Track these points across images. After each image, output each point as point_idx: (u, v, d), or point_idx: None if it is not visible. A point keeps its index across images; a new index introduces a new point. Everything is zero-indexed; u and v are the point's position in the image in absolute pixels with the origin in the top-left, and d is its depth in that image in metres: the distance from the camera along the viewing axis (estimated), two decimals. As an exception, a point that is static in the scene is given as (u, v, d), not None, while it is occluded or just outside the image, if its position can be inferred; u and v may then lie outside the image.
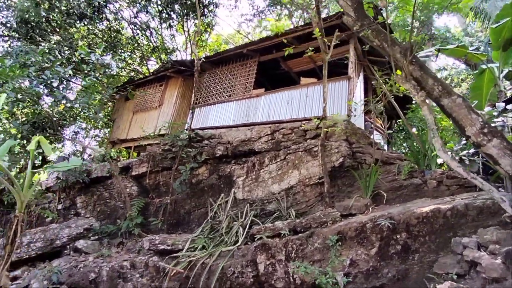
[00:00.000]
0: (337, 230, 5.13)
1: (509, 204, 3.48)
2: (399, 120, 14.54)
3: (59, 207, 10.07)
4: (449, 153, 4.24)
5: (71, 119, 22.39)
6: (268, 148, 8.60)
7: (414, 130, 10.56)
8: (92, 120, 23.61)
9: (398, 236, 4.82)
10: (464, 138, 5.20)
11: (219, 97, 11.50)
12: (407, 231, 4.80)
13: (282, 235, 5.67)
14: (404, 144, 13.89)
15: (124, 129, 14.34)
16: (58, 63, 7.59)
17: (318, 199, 7.16)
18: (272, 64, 11.92)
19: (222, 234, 6.74)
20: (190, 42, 16.93)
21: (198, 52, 17.64)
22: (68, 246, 7.54)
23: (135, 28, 19.23)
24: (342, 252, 5.00)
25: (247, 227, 6.71)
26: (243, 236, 6.43)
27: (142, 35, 20.09)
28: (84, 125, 24.86)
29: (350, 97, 8.28)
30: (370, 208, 5.77)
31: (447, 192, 5.96)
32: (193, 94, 9.99)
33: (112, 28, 18.45)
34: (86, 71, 7.98)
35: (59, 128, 16.38)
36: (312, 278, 4.91)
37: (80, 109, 19.30)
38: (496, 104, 5.68)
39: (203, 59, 12.32)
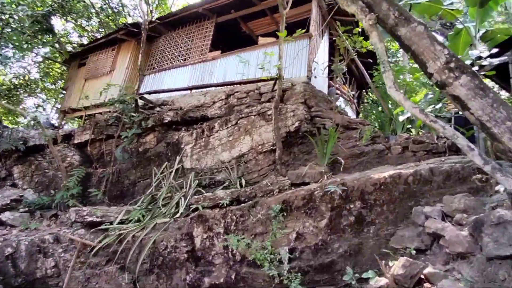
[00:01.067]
0: (282, 199, 4.42)
1: (479, 154, 2.80)
2: (369, 90, 13.97)
3: (-6, 177, 8.96)
4: (404, 93, 3.55)
5: (26, 89, 20.68)
6: (221, 114, 7.77)
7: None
8: (52, 91, 22.05)
9: (352, 206, 4.16)
10: (430, 83, 4.51)
11: (174, 61, 10.48)
12: (362, 200, 4.15)
13: (222, 205, 4.92)
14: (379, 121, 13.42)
15: (76, 97, 13.03)
16: None
17: (272, 167, 6.43)
18: (232, 27, 10.90)
19: (160, 205, 5.92)
20: None
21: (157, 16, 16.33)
22: (-8, 218, 6.56)
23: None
24: (288, 224, 4.31)
25: (189, 198, 5.92)
26: (184, 207, 5.65)
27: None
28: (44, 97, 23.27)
29: (311, 57, 7.48)
30: (326, 176, 5.08)
31: (412, 158, 5.34)
32: (139, 55, 8.86)
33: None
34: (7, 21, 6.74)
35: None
36: (253, 253, 4.22)
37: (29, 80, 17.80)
38: (469, 52, 5.01)
39: (156, 20, 11.17)
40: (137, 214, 5.74)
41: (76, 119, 14.22)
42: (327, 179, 5.09)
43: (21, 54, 7.20)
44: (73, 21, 19.54)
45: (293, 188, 4.99)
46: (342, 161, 5.48)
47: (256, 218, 4.51)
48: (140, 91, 9.66)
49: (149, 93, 8.51)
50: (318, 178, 5.18)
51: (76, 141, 8.94)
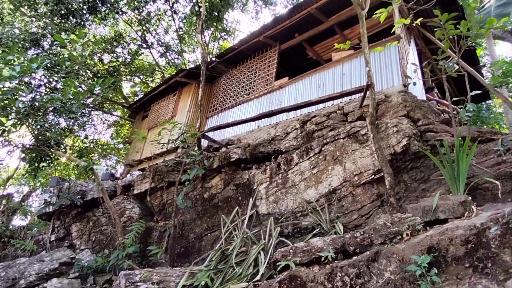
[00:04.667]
0: (427, 245, 2.75)
1: None
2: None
3: (52, 238, 8.32)
4: None
5: (98, 150, 21.74)
6: (298, 145, 6.43)
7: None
8: (122, 150, 23.04)
9: (561, 251, 2.39)
10: None
11: (237, 98, 9.65)
12: None
13: (324, 260, 3.37)
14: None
15: (140, 149, 12.78)
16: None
17: (377, 204, 4.78)
18: (296, 54, 9.94)
19: (233, 264, 4.50)
20: (195, 34, 15.22)
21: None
22: (37, 287, 5.59)
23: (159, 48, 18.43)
24: (443, 287, 2.61)
25: (271, 252, 4.46)
26: (265, 265, 4.18)
27: (162, 56, 19.25)
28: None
29: (403, 61, 6.00)
30: (474, 208, 3.35)
31: None
32: (200, 90, 8.05)
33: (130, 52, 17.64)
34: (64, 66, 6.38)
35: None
36: None
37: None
38: None
39: (216, 59, 10.66)
40: (203, 278, 4.35)
41: (141, 171, 13.90)
42: (476, 213, 3.35)
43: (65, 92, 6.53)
44: (139, 79, 20.59)
45: (428, 228, 3.32)
46: (497, 183, 3.68)
47: (383, 279, 2.87)
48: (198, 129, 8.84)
49: (212, 129, 7.53)
50: (460, 211, 3.45)
51: (135, 192, 8.10)
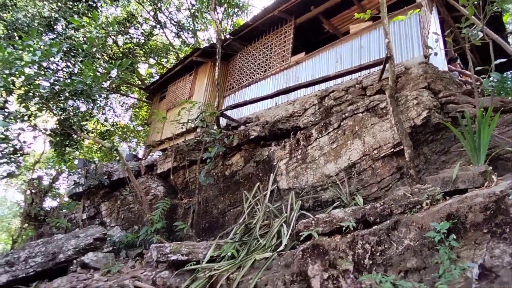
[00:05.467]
0: (446, 213, 2.84)
1: None
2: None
3: (84, 216, 8.81)
4: None
5: (119, 133, 22.20)
6: (316, 121, 6.50)
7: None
8: (141, 132, 23.54)
9: None
10: None
11: (254, 75, 9.65)
12: None
13: (345, 229, 3.51)
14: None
15: (160, 130, 13.05)
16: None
17: (396, 176, 4.85)
18: (313, 28, 9.78)
19: (257, 236, 4.71)
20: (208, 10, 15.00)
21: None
22: (74, 261, 6.00)
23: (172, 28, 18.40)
24: (461, 252, 2.70)
25: (293, 224, 4.63)
26: (287, 236, 4.36)
27: (176, 36, 19.23)
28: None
29: (424, 32, 5.88)
30: (494, 178, 3.39)
31: None
32: (216, 69, 8.13)
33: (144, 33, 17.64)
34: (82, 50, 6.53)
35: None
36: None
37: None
38: None
39: (230, 36, 10.60)
40: (229, 249, 4.60)
41: (162, 152, 14.24)
42: (496, 182, 3.39)
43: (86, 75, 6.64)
44: (154, 60, 20.72)
45: (447, 198, 3.39)
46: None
47: (402, 245, 2.99)
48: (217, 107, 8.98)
49: (230, 108, 7.64)
50: (480, 181, 3.49)
51: (159, 171, 8.41)
